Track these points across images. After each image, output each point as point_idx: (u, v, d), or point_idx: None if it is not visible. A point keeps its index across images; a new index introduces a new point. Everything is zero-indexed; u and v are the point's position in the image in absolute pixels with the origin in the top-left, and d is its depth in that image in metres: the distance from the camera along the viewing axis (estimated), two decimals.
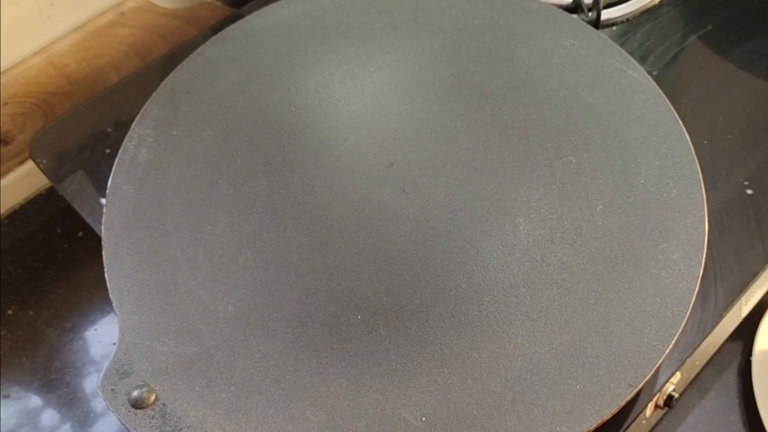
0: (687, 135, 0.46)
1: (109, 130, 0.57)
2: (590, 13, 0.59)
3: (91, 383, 0.54)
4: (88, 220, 0.52)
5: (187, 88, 0.51)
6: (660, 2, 0.62)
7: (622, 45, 0.53)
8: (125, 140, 0.48)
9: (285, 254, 0.43)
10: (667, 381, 0.44)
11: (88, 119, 0.58)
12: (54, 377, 0.55)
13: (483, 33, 0.53)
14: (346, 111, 0.50)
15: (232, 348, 0.40)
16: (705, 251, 0.41)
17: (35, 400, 0.54)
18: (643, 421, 0.46)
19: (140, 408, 0.37)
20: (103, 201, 0.46)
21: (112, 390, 0.37)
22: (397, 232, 0.44)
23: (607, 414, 0.36)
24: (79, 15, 0.62)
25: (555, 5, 0.55)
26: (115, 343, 0.39)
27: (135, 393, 0.37)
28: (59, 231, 0.62)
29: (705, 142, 0.52)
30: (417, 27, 0.54)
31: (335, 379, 0.38)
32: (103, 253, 0.43)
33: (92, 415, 0.53)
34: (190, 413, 0.37)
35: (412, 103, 0.50)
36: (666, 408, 0.47)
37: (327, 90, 0.51)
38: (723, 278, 0.47)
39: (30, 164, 0.63)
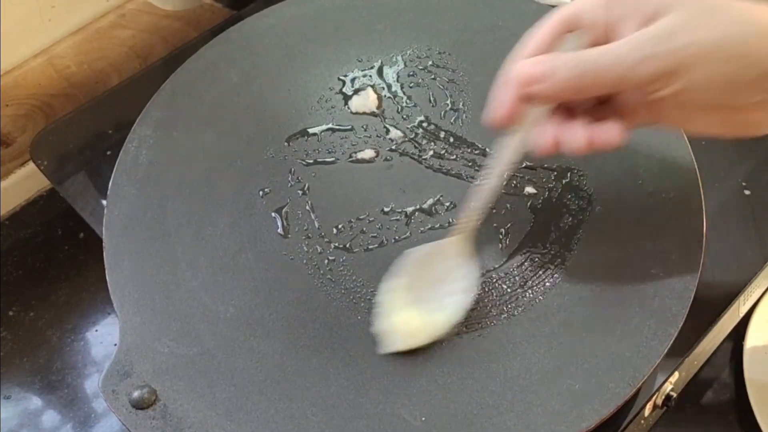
0: (685, 135, 0.46)
1: (110, 131, 0.57)
2: None
3: (92, 384, 0.54)
4: (89, 221, 0.52)
5: (188, 89, 0.51)
6: None
7: None
8: (126, 141, 0.48)
9: (285, 255, 0.43)
10: (665, 381, 0.44)
11: (89, 121, 0.58)
12: (55, 378, 0.55)
13: (482, 34, 0.53)
14: (346, 112, 0.50)
15: (232, 348, 0.40)
16: (703, 251, 0.41)
17: (36, 401, 0.54)
18: (642, 421, 0.46)
19: (141, 409, 0.37)
20: (104, 202, 0.46)
21: (113, 391, 0.37)
22: (396, 232, 0.44)
23: (605, 413, 0.37)
24: (80, 17, 0.62)
25: (554, 6, 0.55)
26: (116, 344, 0.39)
27: (136, 394, 0.37)
28: (60, 232, 0.62)
29: (703, 142, 0.52)
30: (417, 28, 0.54)
31: (335, 380, 0.39)
32: (104, 254, 0.43)
33: (93, 415, 0.53)
34: (190, 414, 0.37)
35: (412, 103, 0.50)
36: (664, 408, 0.47)
37: (327, 92, 0.51)
38: (721, 278, 0.47)
39: (31, 166, 0.63)
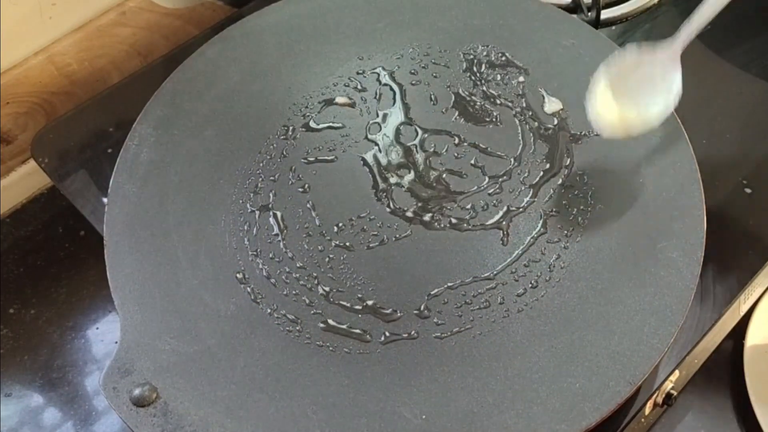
0: (686, 134, 0.46)
1: (111, 129, 0.57)
2: (590, 13, 0.59)
3: (92, 382, 0.54)
4: (90, 219, 0.52)
5: (189, 87, 0.51)
6: (659, 2, 0.62)
7: (621, 45, 0.53)
8: (127, 139, 0.48)
9: (286, 253, 0.43)
10: (666, 379, 0.44)
11: (89, 119, 0.58)
12: (56, 376, 0.55)
13: (483, 33, 0.53)
14: (347, 110, 0.50)
15: (233, 346, 0.40)
16: (703, 250, 0.41)
17: (37, 399, 0.54)
18: (642, 420, 0.46)
19: (142, 406, 0.37)
20: (105, 200, 0.46)
21: (114, 388, 0.38)
22: (397, 230, 0.44)
23: (606, 412, 0.37)
24: (81, 14, 0.62)
25: (554, 5, 0.55)
26: (116, 342, 0.39)
27: (137, 391, 0.37)
28: (61, 230, 0.62)
29: (703, 141, 0.52)
30: (417, 27, 0.54)
31: (336, 378, 0.39)
32: (105, 251, 0.43)
33: (94, 413, 0.53)
34: (191, 411, 0.37)
35: (413, 103, 0.50)
36: (665, 406, 0.47)
37: (327, 90, 0.51)
38: (722, 277, 0.47)
39: (32, 163, 0.63)
